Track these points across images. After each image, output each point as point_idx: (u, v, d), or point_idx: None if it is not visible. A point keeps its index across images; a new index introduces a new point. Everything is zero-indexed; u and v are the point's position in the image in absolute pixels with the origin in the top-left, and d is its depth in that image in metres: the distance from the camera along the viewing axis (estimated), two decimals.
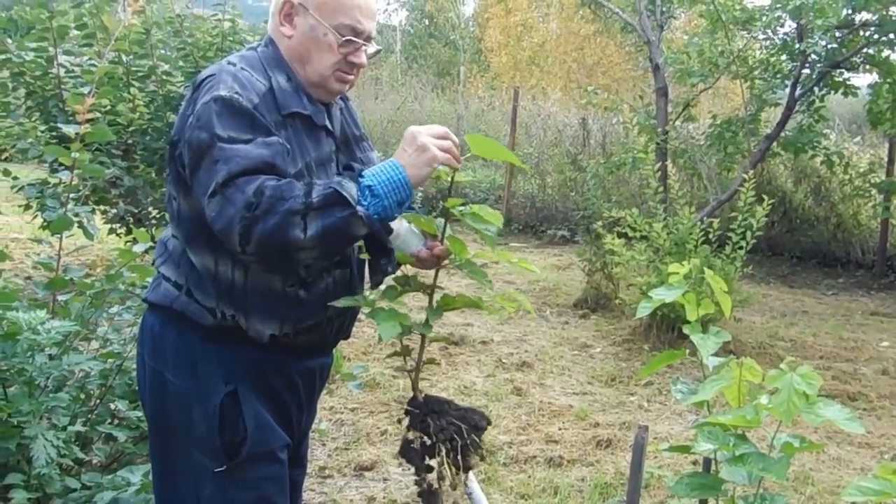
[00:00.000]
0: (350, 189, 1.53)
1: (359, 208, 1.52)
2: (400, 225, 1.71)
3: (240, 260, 1.62)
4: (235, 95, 1.57)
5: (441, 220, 1.68)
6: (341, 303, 1.66)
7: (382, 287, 1.76)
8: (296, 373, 1.77)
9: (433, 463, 1.61)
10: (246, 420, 1.66)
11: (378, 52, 1.81)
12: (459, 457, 1.58)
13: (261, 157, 1.54)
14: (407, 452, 1.62)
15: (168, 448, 1.74)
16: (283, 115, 1.65)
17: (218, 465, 1.66)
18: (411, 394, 1.71)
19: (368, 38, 1.74)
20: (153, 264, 1.82)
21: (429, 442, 1.60)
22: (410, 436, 1.62)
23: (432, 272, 1.76)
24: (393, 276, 1.75)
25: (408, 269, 1.74)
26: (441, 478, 1.59)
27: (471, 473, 1.73)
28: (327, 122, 1.76)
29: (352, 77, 1.76)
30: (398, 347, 1.70)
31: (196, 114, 1.59)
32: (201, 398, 1.67)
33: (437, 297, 1.70)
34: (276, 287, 1.67)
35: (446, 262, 1.71)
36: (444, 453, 1.57)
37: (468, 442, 1.59)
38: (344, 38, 1.69)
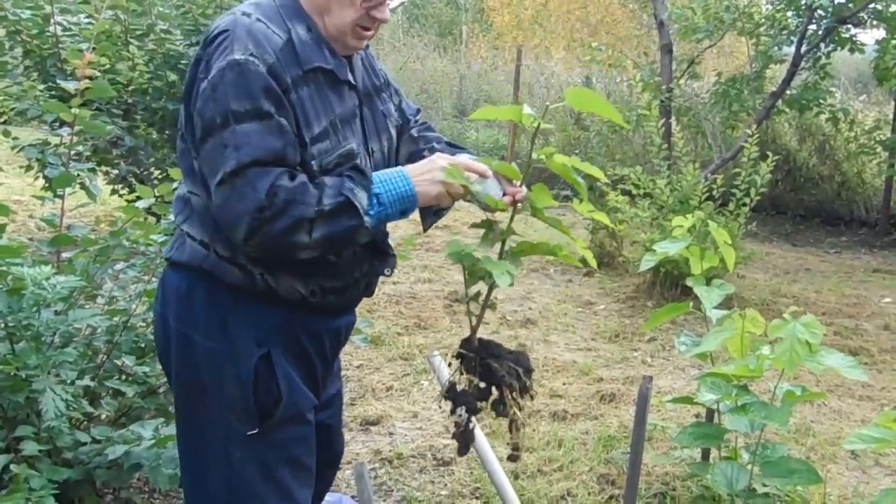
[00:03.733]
0: (361, 198, 1.53)
1: (366, 219, 1.53)
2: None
3: None
4: (251, 58, 1.50)
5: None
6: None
7: (477, 238, 1.68)
8: (325, 332, 1.75)
9: (480, 405, 1.62)
10: (280, 383, 1.64)
11: (402, 3, 1.73)
12: (518, 398, 1.60)
13: (273, 149, 1.50)
14: (457, 395, 1.60)
15: (196, 410, 1.69)
16: (305, 70, 1.58)
17: (250, 427, 1.63)
18: (424, 349, 1.71)
19: None
20: (174, 221, 1.74)
21: (482, 385, 1.60)
22: (457, 378, 1.61)
23: (507, 218, 1.66)
24: (479, 223, 1.67)
25: (489, 215, 1.68)
26: (510, 418, 1.59)
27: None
28: (350, 77, 1.69)
29: (371, 32, 1.69)
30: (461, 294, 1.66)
31: (211, 82, 1.51)
32: (233, 360, 1.62)
33: (512, 243, 1.65)
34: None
35: (521, 207, 1.64)
36: (508, 395, 1.58)
37: (526, 384, 1.61)
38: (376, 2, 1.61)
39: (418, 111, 1.97)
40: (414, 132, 1.90)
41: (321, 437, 1.84)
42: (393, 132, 1.82)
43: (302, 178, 1.53)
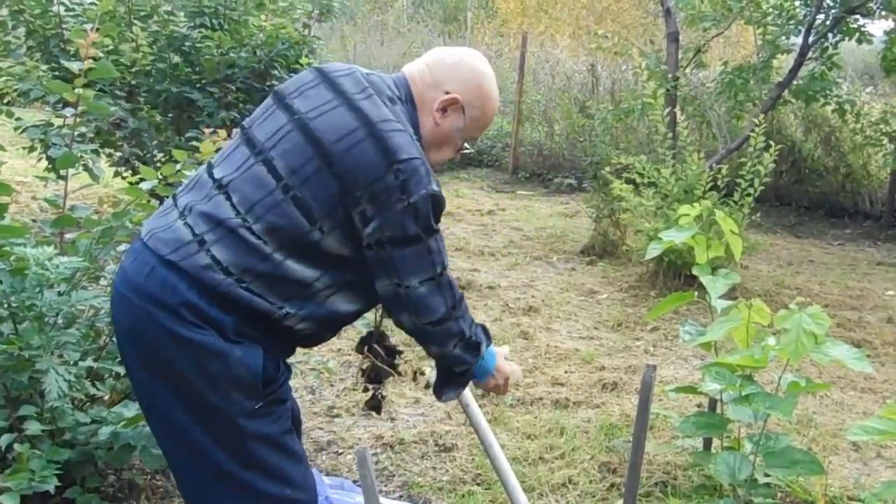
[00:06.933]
0: (482, 347, 1.96)
1: (473, 365, 1.95)
2: None
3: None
4: (439, 190, 1.78)
5: None
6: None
7: None
8: None
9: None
10: (280, 365, 1.81)
11: (470, 151, 2.07)
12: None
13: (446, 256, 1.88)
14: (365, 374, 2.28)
15: (201, 394, 1.72)
16: None
17: (255, 403, 1.73)
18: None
19: None
20: (195, 232, 1.70)
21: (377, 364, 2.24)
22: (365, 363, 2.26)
23: None
24: None
25: None
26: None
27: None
28: None
29: None
30: None
31: (414, 205, 1.71)
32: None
33: None
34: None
35: None
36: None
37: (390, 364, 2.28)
38: (464, 145, 1.96)
39: None
40: None
41: None
42: None
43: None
